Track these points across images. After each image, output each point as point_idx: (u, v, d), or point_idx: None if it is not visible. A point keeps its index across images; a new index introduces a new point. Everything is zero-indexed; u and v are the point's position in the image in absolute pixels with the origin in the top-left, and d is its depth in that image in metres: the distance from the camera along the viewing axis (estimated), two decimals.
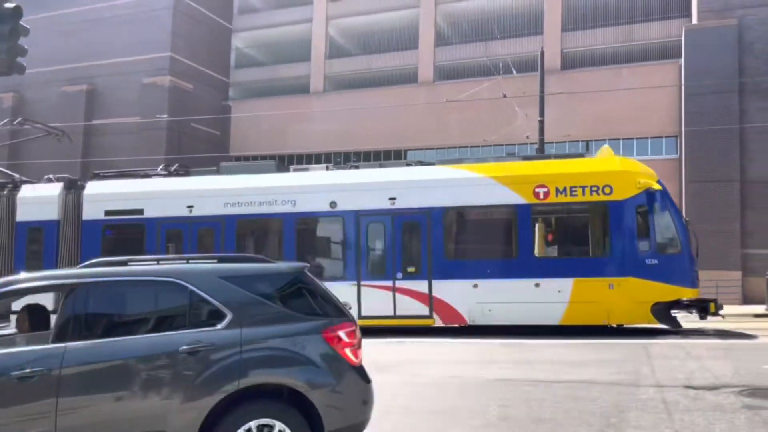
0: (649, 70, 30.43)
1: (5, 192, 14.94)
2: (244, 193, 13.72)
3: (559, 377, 7.70)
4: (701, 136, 25.83)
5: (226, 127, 36.09)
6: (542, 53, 22.65)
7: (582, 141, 30.22)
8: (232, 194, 13.75)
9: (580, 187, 12.43)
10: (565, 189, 12.53)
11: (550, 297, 12.18)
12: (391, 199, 13.10)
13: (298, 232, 13.68)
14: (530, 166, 13.31)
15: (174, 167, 15.54)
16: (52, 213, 14.37)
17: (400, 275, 12.94)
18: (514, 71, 25.59)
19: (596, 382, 7.36)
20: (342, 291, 12.63)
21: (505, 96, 22.54)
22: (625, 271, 12.04)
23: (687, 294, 11.97)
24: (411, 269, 12.97)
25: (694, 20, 28.97)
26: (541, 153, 19.55)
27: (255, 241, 14.45)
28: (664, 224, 12.31)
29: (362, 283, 13.02)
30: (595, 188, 12.38)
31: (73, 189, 14.67)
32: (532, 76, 24.67)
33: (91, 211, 14.20)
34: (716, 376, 7.47)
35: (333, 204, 13.28)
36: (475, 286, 12.54)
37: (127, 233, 14.31)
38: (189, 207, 13.81)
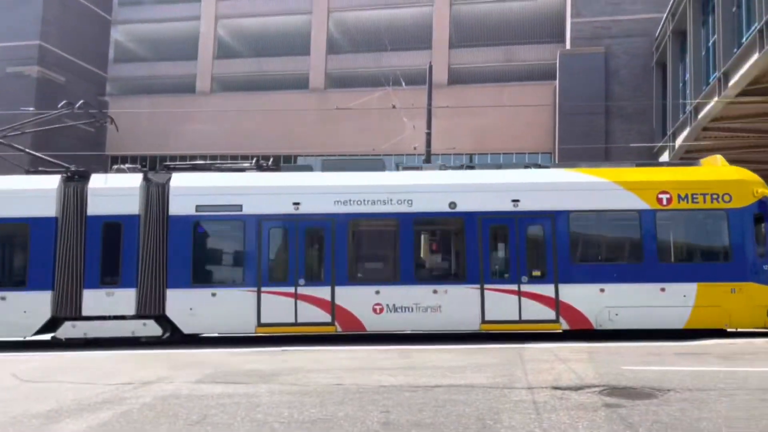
0: (528, 90, 32.39)
1: (68, 182, 13.46)
2: (357, 191, 13.17)
3: (440, 382, 7.88)
4: (573, 153, 27.80)
5: (102, 124, 33.87)
6: (431, 67, 23.38)
7: (466, 154, 31.48)
8: (343, 191, 13.17)
9: (701, 194, 12.95)
10: (686, 196, 13.00)
11: (675, 301, 12.60)
12: (514, 201, 13.07)
13: (415, 232, 13.36)
14: (650, 172, 13.68)
15: (269, 161, 14.83)
16: (132, 206, 13.09)
17: (525, 279, 12.91)
18: (404, 83, 26.20)
19: (475, 385, 7.60)
20: (464, 294, 12.90)
21: (394, 107, 23.00)
22: (746, 276, 12.66)
23: None
24: (536, 273, 12.96)
25: (568, 46, 31.22)
26: (427, 163, 20.12)
27: (368, 240, 13.93)
28: None
29: (485, 286, 12.89)
30: (715, 196, 12.94)
31: (155, 181, 13.54)
32: (421, 89, 25.39)
33: (180, 206, 13.11)
34: (581, 377, 7.99)
35: (452, 204, 13.07)
36: (602, 290, 12.77)
37: (224, 230, 13.52)
38: (295, 204, 13.14)
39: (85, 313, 12.84)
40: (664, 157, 25.89)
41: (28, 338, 13.13)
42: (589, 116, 29.11)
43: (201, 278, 13.16)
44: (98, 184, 13.32)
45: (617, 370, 8.51)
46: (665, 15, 26.08)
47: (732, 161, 18.10)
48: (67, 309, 12.82)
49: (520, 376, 8.18)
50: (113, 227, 13.07)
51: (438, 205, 13.15)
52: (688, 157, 23.87)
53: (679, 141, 23.38)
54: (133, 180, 13.43)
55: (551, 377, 8.05)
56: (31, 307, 12.72)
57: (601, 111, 29.22)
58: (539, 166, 14.56)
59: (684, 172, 13.67)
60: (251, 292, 12.98)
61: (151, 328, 12.92)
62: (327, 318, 12.90)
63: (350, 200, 13.14)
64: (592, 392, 7.07)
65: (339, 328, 12.94)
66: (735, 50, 17.32)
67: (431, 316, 12.86)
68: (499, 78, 33.79)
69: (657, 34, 28.31)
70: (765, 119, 20.48)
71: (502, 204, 13.08)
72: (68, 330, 12.85)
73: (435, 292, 12.88)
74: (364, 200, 13.14)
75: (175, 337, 13.17)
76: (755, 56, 15.41)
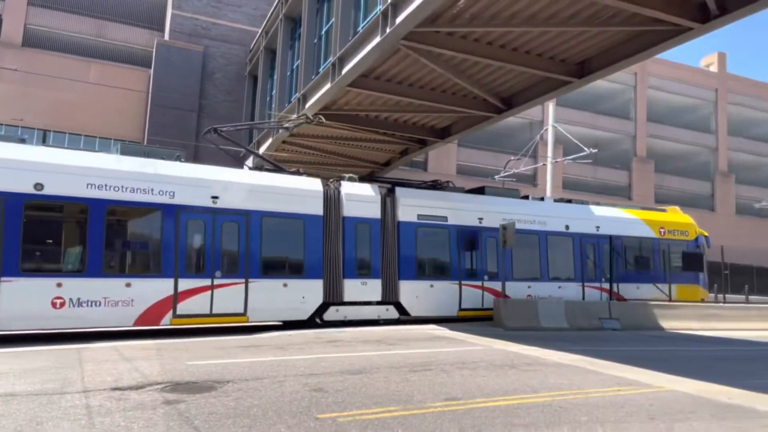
0: (121, 72, 30.38)
1: (327, 185, 15.54)
2: (513, 212, 18.12)
3: None
4: (162, 146, 27.22)
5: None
6: (0, 19, 19.67)
7: (39, 129, 27.61)
8: (504, 213, 17.92)
9: (677, 230, 21.62)
10: (672, 230, 21.54)
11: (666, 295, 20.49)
12: (597, 227, 19.72)
13: (549, 244, 18.77)
14: (654, 213, 21.88)
15: (445, 181, 18.61)
16: (376, 211, 16.01)
17: (603, 279, 19.37)
18: None
19: (16, 394, 6.56)
20: (576, 289, 19.02)
21: None
22: (692, 280, 21.47)
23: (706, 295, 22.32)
24: (606, 276, 19.32)
25: (167, 36, 30.54)
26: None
27: (520, 248, 17.91)
28: (705, 255, 22.13)
29: (585, 285, 19.14)
30: (681, 232, 21.68)
31: (386, 192, 16.55)
32: None
33: (407, 214, 16.46)
34: (144, 376, 7.72)
35: (567, 227, 19.19)
36: (638, 287, 20.08)
37: (436, 235, 16.96)
38: (479, 218, 17.59)
39: (345, 299, 15.05)
40: (249, 162, 27.68)
41: None
42: (182, 112, 29.02)
43: (422, 272, 16.60)
44: (350, 189, 15.76)
45: (183, 366, 8.54)
46: (260, 31, 28.00)
47: (307, 175, 20.50)
48: (332, 295, 14.85)
49: (76, 380, 7.42)
50: (364, 227, 15.70)
51: (559, 227, 19.12)
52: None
53: (262, 149, 25.27)
54: (373, 189, 16.24)
55: (111, 378, 7.55)
56: (308, 294, 14.43)
57: (194, 109, 29.46)
58: (596, 203, 21.19)
59: (667, 215, 22.13)
60: (455, 284, 16.98)
61: (391, 312, 15.84)
62: None
63: (501, 219, 17.86)
64: (154, 390, 6.89)
65: None
66: (313, 77, 19.69)
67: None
68: (87, 52, 30.71)
69: (252, 47, 30.15)
70: (328, 141, 23.89)
71: (590, 228, 19.70)
72: (333, 313, 14.88)
73: (559, 288, 18.78)
74: (520, 219, 18.04)
75: None
76: (328, 85, 17.80)
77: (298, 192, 14.79)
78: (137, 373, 7.92)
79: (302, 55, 20.92)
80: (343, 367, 8.77)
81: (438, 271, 16.96)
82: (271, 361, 9.17)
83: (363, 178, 16.89)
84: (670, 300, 19.97)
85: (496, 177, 31.02)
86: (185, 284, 12.90)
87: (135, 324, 12.31)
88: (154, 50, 29.56)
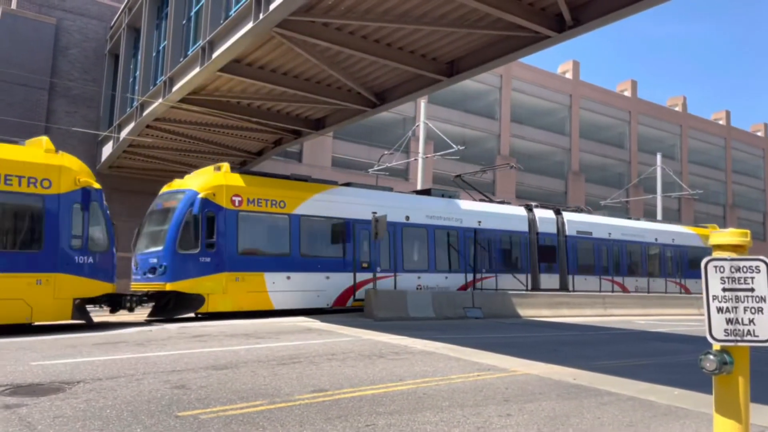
0: None
1: (528, 210, 24.37)
2: (630, 230, 27.65)
3: None
4: (5, 126, 24.63)
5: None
6: None
7: None
8: (614, 229, 26.96)
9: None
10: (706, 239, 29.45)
11: (676, 288, 29.20)
12: (672, 239, 29.39)
13: (648, 252, 28.60)
14: (701, 229, 31.22)
15: (586, 207, 30.70)
16: (553, 229, 24.69)
17: (672, 273, 29.35)
18: None
19: None
20: (669, 287, 28.63)
21: None
22: (688, 277, 29.82)
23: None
24: (678, 273, 29.57)
25: (14, 5, 27.64)
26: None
27: (613, 255, 27.03)
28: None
29: (668, 280, 28.84)
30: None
31: (557, 215, 25.14)
32: None
33: (571, 230, 25.04)
34: None
35: (656, 239, 28.71)
36: (696, 282, 27.66)
37: (585, 245, 25.55)
38: (609, 233, 26.53)
39: (541, 287, 23.29)
40: (108, 146, 25.79)
41: None
42: (31, 89, 26.43)
43: (579, 269, 25.09)
44: (540, 213, 24.38)
45: (25, 367, 7.80)
46: (122, 7, 26.13)
47: (174, 162, 19.49)
48: (533, 285, 23.18)
49: None
50: (547, 239, 24.27)
51: (650, 239, 28.34)
52: (133, 151, 24.51)
53: (123, 134, 23.67)
54: (551, 213, 25.09)
55: None
56: (520, 284, 22.74)
57: (45, 86, 26.92)
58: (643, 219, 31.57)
59: (699, 229, 31.12)
60: (597, 278, 25.62)
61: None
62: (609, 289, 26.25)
63: (623, 232, 27.04)
64: None
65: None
66: (181, 59, 18.72)
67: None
68: None
69: (113, 23, 28.08)
70: (197, 127, 22.93)
71: (670, 240, 29.03)
72: None
73: (638, 280, 27.12)
74: (627, 233, 27.27)
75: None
76: (197, 69, 17.02)
77: (516, 217, 23.57)
78: None
79: (169, 35, 19.83)
80: (208, 362, 8.48)
81: (588, 269, 25.50)
82: (129, 359, 8.64)
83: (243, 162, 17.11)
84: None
85: (369, 170, 31.45)
86: (469, 277, 21.38)
87: None
88: None
